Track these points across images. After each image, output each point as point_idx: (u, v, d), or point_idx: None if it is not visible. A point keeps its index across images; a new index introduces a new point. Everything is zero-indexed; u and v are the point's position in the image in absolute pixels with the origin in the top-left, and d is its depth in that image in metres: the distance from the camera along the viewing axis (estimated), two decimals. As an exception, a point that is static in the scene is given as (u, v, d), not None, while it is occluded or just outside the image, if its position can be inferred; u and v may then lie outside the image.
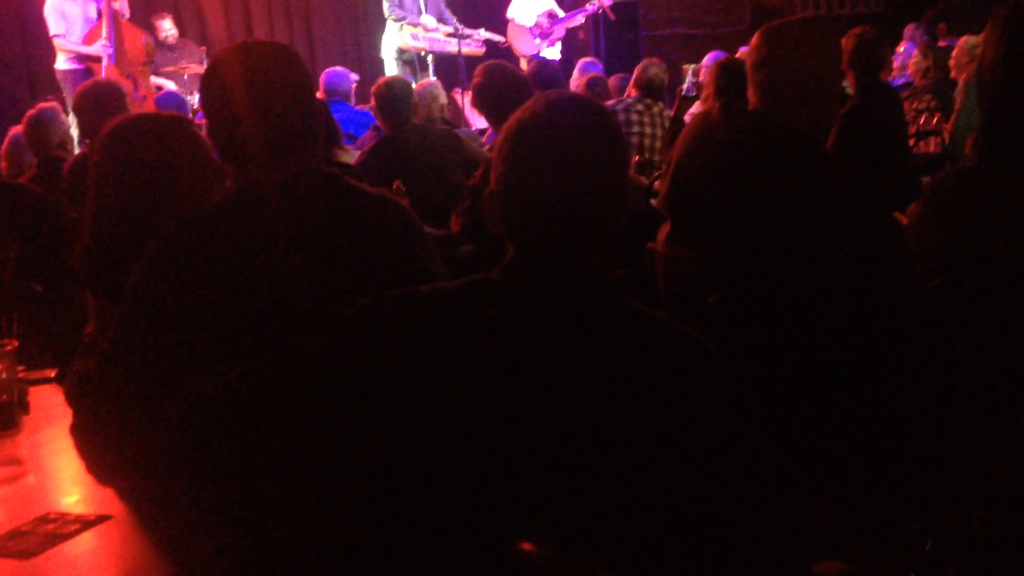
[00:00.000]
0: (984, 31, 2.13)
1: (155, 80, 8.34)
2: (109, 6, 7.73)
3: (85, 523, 1.65)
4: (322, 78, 7.05)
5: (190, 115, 6.84)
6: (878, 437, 2.31)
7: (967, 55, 5.48)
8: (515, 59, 9.32)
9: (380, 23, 8.78)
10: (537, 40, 9.44)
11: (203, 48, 9.10)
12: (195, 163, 2.12)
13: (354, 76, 8.00)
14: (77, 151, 5.05)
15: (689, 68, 5.49)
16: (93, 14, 7.85)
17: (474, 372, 1.42)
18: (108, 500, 1.73)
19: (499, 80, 4.34)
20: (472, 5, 10.04)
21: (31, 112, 4.62)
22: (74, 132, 5.37)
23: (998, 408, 1.95)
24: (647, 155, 5.42)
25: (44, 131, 4.50)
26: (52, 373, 2.41)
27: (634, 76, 5.74)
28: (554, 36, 9.52)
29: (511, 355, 1.42)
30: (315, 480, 1.50)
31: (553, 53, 9.49)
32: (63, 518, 1.67)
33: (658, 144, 5.47)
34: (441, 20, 8.60)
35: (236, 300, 1.73)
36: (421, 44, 8.46)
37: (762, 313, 2.42)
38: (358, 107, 7.25)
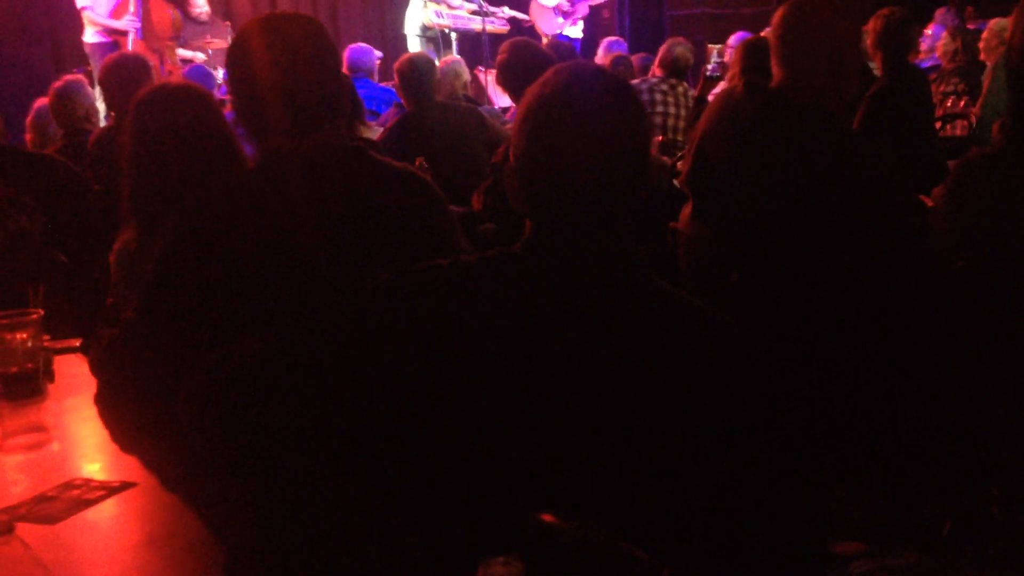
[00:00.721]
0: (1013, 14, 2.10)
1: (181, 54, 8.36)
2: (137, -23, 7.75)
3: (110, 489, 1.67)
4: (345, 54, 7.04)
5: (215, 89, 6.85)
6: (899, 419, 2.31)
7: (996, 38, 5.42)
8: (538, 37, 9.28)
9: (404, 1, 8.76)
10: (560, 19, 9.39)
11: (228, 23, 9.11)
12: (215, 130, 2.17)
13: (377, 53, 7.99)
14: (103, 124, 5.08)
15: (715, 48, 5.45)
16: (120, -14, 7.88)
17: (495, 346, 1.42)
18: (132, 467, 1.75)
19: (524, 58, 4.33)
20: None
21: (57, 84, 4.64)
22: (100, 105, 5.39)
23: (1020, 392, 1.94)
24: (671, 135, 5.39)
25: (70, 103, 4.51)
26: (77, 342, 2.43)
27: (659, 56, 5.71)
28: (577, 15, 9.48)
29: (532, 330, 1.42)
30: (339, 449, 1.51)
31: (575, 32, 9.45)
32: (87, 484, 1.69)
33: (682, 124, 5.44)
34: (465, -3, 8.59)
35: (260, 270, 1.75)
36: (445, 21, 8.44)
37: (783, 293, 2.41)
38: (381, 84, 7.25)
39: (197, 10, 8.85)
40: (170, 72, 7.90)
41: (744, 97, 2.49)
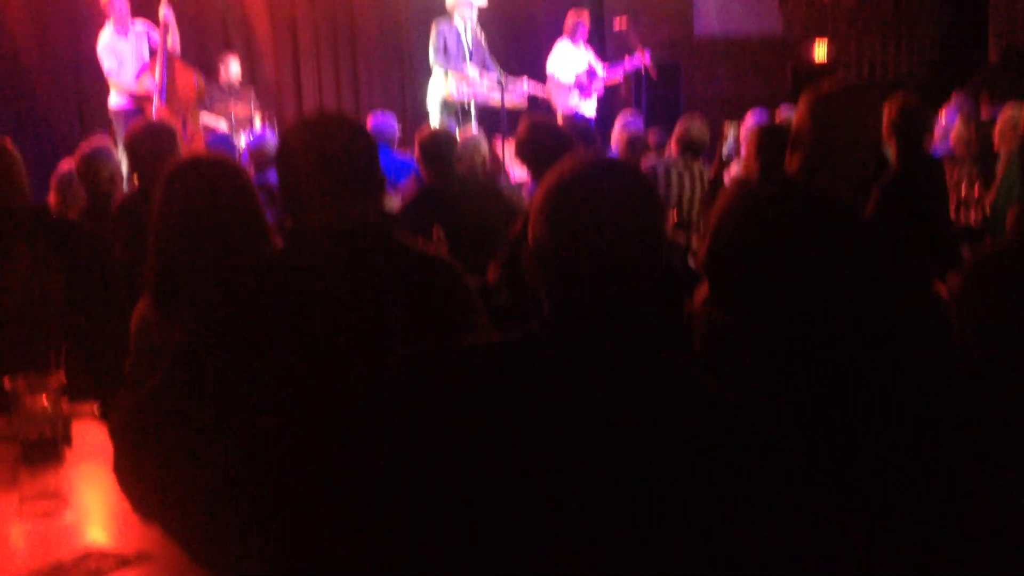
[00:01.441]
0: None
1: (204, 119, 8.49)
2: (163, 45, 7.90)
3: (125, 561, 1.68)
4: (368, 121, 7.17)
5: (236, 156, 6.96)
6: (916, 509, 2.30)
7: (1011, 126, 5.48)
8: (555, 113, 9.43)
9: (425, 70, 8.91)
10: (576, 96, 9.52)
11: (252, 90, 9.26)
12: (244, 213, 2.22)
13: (395, 124, 8.13)
14: (126, 189, 5.16)
15: (731, 126, 5.54)
16: (146, 53, 8.04)
17: (513, 428, 1.45)
18: (148, 538, 1.75)
19: (542, 135, 4.41)
20: (516, 56, 10.17)
21: (84, 148, 4.73)
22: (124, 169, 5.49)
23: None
24: (686, 213, 5.45)
25: (96, 167, 4.60)
26: (95, 407, 2.45)
27: (675, 133, 5.79)
28: (593, 93, 9.61)
29: (549, 413, 1.45)
30: (355, 525, 1.52)
31: (590, 109, 9.57)
32: (103, 555, 1.70)
33: (697, 202, 5.50)
34: (485, 69, 8.71)
35: (286, 346, 1.78)
36: (466, 93, 8.57)
37: (799, 379, 2.42)
38: (399, 152, 7.35)
39: (230, 75, 8.97)
40: (192, 137, 8.02)
41: (761, 185, 2.53)
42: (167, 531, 1.75)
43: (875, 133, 2.69)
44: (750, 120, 6.63)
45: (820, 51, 12.87)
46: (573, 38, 9.51)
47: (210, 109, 8.67)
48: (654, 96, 10.64)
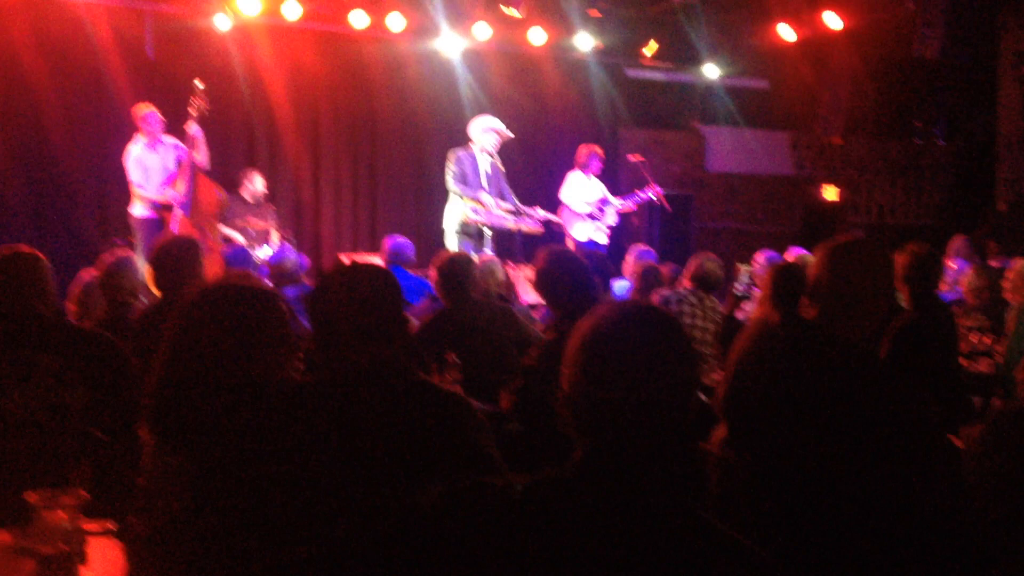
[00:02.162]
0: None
1: (224, 232, 8.64)
2: (189, 160, 8.11)
3: None
4: (385, 244, 7.29)
5: (254, 269, 7.05)
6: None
7: (1021, 278, 5.56)
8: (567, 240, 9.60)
9: (441, 194, 9.10)
10: (590, 225, 9.69)
11: (272, 206, 9.44)
12: (275, 337, 2.22)
13: (410, 246, 8.25)
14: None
15: (743, 268, 5.64)
16: (172, 165, 8.25)
17: (545, 570, 1.46)
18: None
19: (560, 266, 4.47)
20: (532, 182, 10.39)
21: (109, 259, 4.81)
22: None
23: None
24: (698, 348, 5.49)
25: (119, 278, 4.67)
26: (112, 525, 2.44)
27: (690, 269, 5.87)
28: (606, 222, 9.78)
29: (580, 556, 1.46)
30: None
31: (602, 238, 9.73)
32: None
33: (709, 337, 5.54)
34: (501, 196, 8.88)
35: (310, 478, 1.80)
36: (482, 219, 8.72)
37: (817, 525, 2.42)
38: (415, 273, 7.45)
39: (254, 190, 9.15)
40: (211, 248, 8.14)
41: (780, 329, 2.57)
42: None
43: (888, 282, 2.76)
44: (761, 259, 6.73)
45: (830, 193, 13.14)
46: (585, 170, 9.75)
47: (229, 222, 8.83)
48: (666, 228, 10.83)
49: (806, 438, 2.44)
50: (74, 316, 5.06)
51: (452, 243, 8.70)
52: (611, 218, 9.79)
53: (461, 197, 8.72)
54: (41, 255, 3.36)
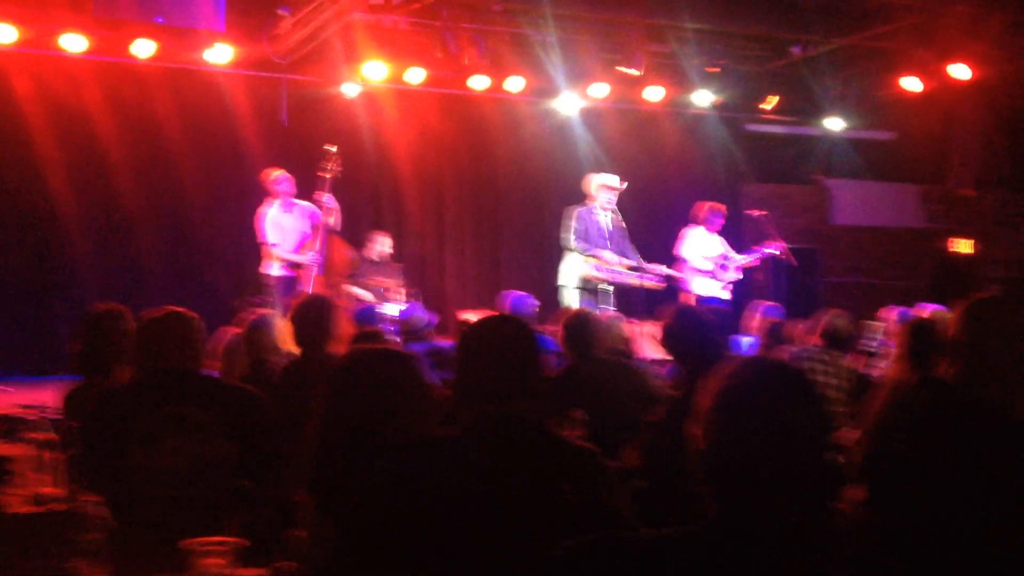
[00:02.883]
0: None
1: (353, 291, 8.91)
2: (324, 221, 8.43)
3: None
4: (504, 300, 7.40)
5: (383, 326, 7.24)
6: None
7: None
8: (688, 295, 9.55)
9: (560, 250, 9.17)
10: (713, 281, 9.61)
11: (400, 265, 9.69)
12: (416, 399, 2.35)
13: (534, 302, 8.34)
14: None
15: (874, 326, 5.53)
16: (307, 228, 8.57)
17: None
18: None
19: (688, 322, 4.48)
20: (651, 239, 10.40)
21: (251, 317, 5.03)
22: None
23: None
24: (831, 407, 5.39)
25: (261, 335, 4.87)
26: (262, 572, 2.54)
27: (821, 326, 5.78)
28: (728, 278, 9.68)
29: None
30: None
31: (724, 294, 9.64)
32: None
33: (842, 396, 5.44)
34: (623, 253, 8.90)
35: (448, 530, 1.87)
36: (603, 275, 8.75)
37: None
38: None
39: (380, 249, 9.46)
40: (342, 307, 8.39)
41: (919, 390, 2.54)
42: None
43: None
44: (892, 315, 6.57)
45: (964, 246, 12.75)
46: (707, 225, 9.69)
47: (358, 281, 9.10)
48: (792, 283, 10.67)
49: (947, 503, 2.39)
50: (220, 372, 5.28)
51: (571, 299, 8.74)
52: (732, 274, 9.71)
53: (582, 254, 8.78)
54: (193, 314, 3.56)
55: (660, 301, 5.13)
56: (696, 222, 9.76)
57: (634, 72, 9.73)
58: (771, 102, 11.39)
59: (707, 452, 1.57)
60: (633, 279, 8.79)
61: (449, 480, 1.97)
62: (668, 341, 4.52)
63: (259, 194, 8.97)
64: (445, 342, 6.60)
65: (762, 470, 1.52)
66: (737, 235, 11.09)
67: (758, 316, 7.05)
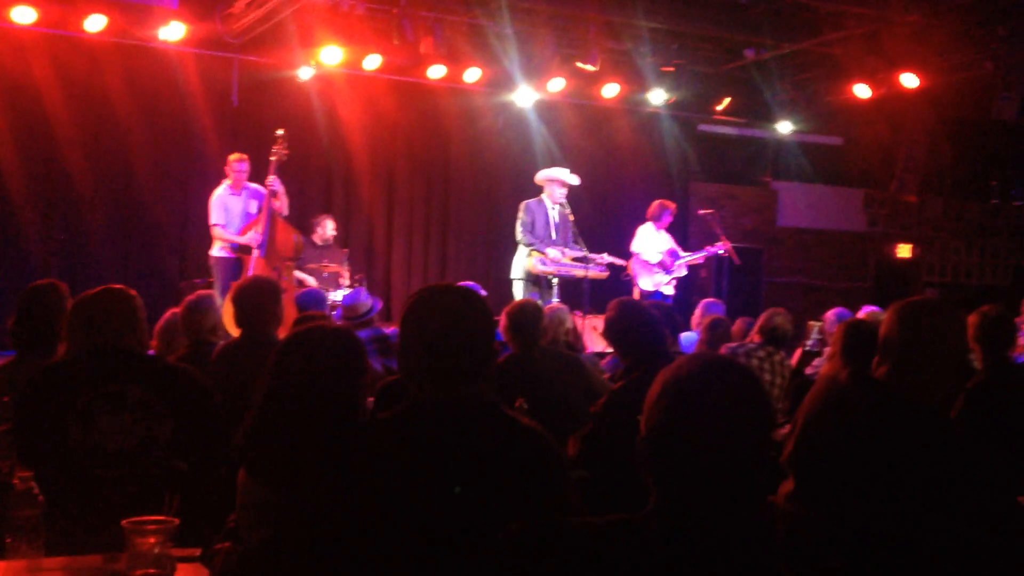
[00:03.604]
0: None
1: (297, 275, 8.86)
2: (269, 203, 8.37)
3: None
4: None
5: (328, 311, 7.22)
6: None
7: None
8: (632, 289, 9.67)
9: (510, 244, 9.23)
10: (658, 277, 9.74)
11: (346, 250, 9.66)
12: (360, 378, 2.35)
13: (482, 291, 8.37)
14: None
15: (815, 325, 5.63)
16: (253, 210, 8.52)
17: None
18: None
19: (630, 317, 4.53)
20: (603, 233, 10.47)
21: (190, 298, 4.98)
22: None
23: None
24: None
25: (201, 316, 4.83)
26: (196, 552, 2.54)
27: (759, 323, 5.88)
28: (675, 274, 9.83)
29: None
30: None
31: (669, 289, 9.78)
32: None
33: (777, 392, 5.53)
34: (567, 247, 9.01)
35: (392, 513, 1.87)
36: (549, 268, 8.85)
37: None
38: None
39: (326, 233, 9.43)
40: (285, 290, 8.35)
41: (849, 387, 2.60)
42: None
43: (959, 343, 2.76)
44: (831, 315, 6.69)
45: (904, 251, 13.01)
46: (656, 223, 9.84)
47: (304, 265, 9.06)
48: (736, 282, 10.81)
49: (872, 496, 2.46)
50: (156, 352, 5.23)
51: (518, 291, 8.82)
52: (679, 270, 9.85)
53: (529, 248, 8.87)
54: (134, 292, 3.52)
55: (607, 296, 5.16)
56: (646, 219, 9.90)
57: (590, 68, 9.78)
58: (723, 103, 11.52)
59: (649, 440, 1.60)
60: (578, 270, 8.89)
61: (396, 461, 1.95)
62: (610, 334, 4.57)
63: (208, 175, 8.89)
64: (389, 328, 6.59)
65: (703, 461, 1.55)
66: (685, 233, 11.21)
67: (700, 312, 7.15)
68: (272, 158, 8.44)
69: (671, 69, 10.50)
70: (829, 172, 12.73)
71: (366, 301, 6.66)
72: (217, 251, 8.55)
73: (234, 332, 4.66)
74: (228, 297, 4.74)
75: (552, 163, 9.62)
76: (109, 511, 2.65)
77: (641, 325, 4.44)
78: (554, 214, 9.07)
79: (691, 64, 10.63)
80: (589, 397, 4.91)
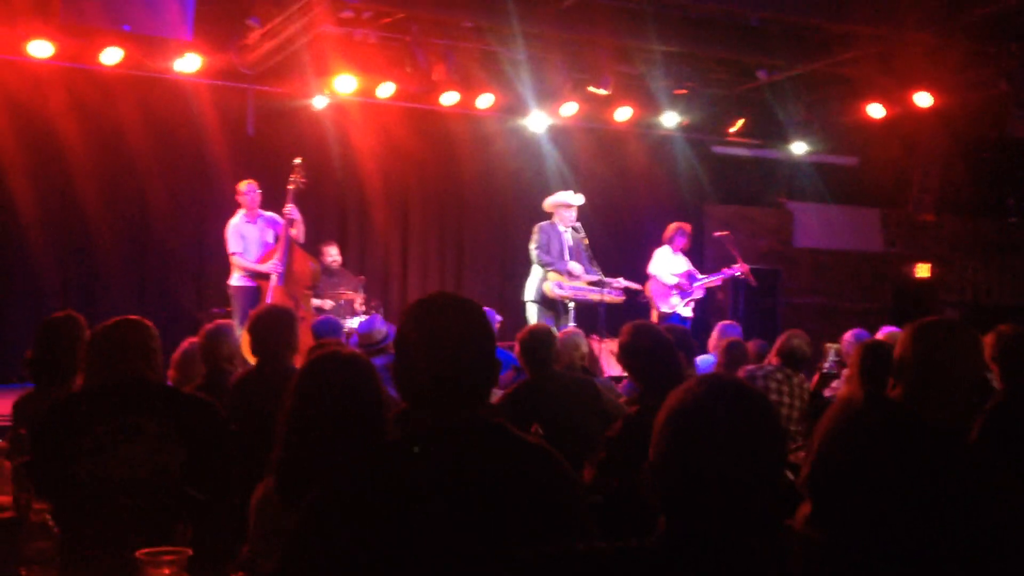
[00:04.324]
0: None
1: (315, 302, 8.90)
2: (285, 234, 8.41)
3: None
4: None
5: (344, 338, 7.23)
6: None
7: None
8: (651, 311, 9.65)
9: (525, 267, 9.22)
10: (676, 299, 9.73)
11: (361, 277, 9.69)
12: (379, 401, 2.36)
13: (498, 316, 8.37)
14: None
15: (832, 348, 5.61)
16: (270, 239, 8.56)
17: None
18: None
19: (644, 340, 4.51)
20: (617, 257, 10.46)
21: (209, 326, 5.01)
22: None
23: None
24: (785, 425, 5.44)
25: (218, 344, 4.85)
26: (209, 582, 2.54)
27: (777, 345, 5.85)
28: (693, 296, 9.82)
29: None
30: None
31: (687, 311, 9.76)
32: None
33: (796, 415, 5.49)
34: (584, 269, 8.99)
35: (398, 536, 1.86)
36: (565, 293, 8.81)
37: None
38: (499, 346, 7.52)
39: (329, 259, 9.49)
40: (303, 318, 8.37)
41: (866, 409, 2.58)
42: None
43: (976, 364, 2.74)
44: (849, 336, 6.66)
45: (922, 271, 12.94)
46: (672, 245, 9.84)
47: (321, 294, 9.09)
48: (752, 304, 10.77)
49: (888, 518, 2.43)
50: (174, 381, 5.25)
51: (532, 315, 8.80)
52: (697, 292, 9.84)
53: (546, 268, 8.85)
54: (149, 323, 3.54)
55: (623, 319, 5.16)
56: (663, 242, 9.90)
57: (603, 92, 9.81)
58: (737, 125, 11.52)
59: (659, 466, 1.58)
60: (594, 294, 8.87)
61: (408, 485, 1.91)
62: (625, 358, 4.55)
63: (224, 205, 8.93)
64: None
65: (712, 486, 1.53)
66: (700, 255, 11.19)
67: (717, 335, 7.12)
68: (290, 187, 8.49)
69: (684, 92, 10.53)
70: (845, 192, 12.70)
71: (381, 328, 6.67)
72: (236, 280, 8.58)
73: (251, 360, 4.67)
74: (245, 326, 4.76)
75: (565, 188, 9.63)
76: (123, 542, 2.65)
77: (655, 349, 4.42)
78: (568, 237, 9.06)
79: (704, 86, 10.65)
80: (604, 421, 4.89)
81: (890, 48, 9.31)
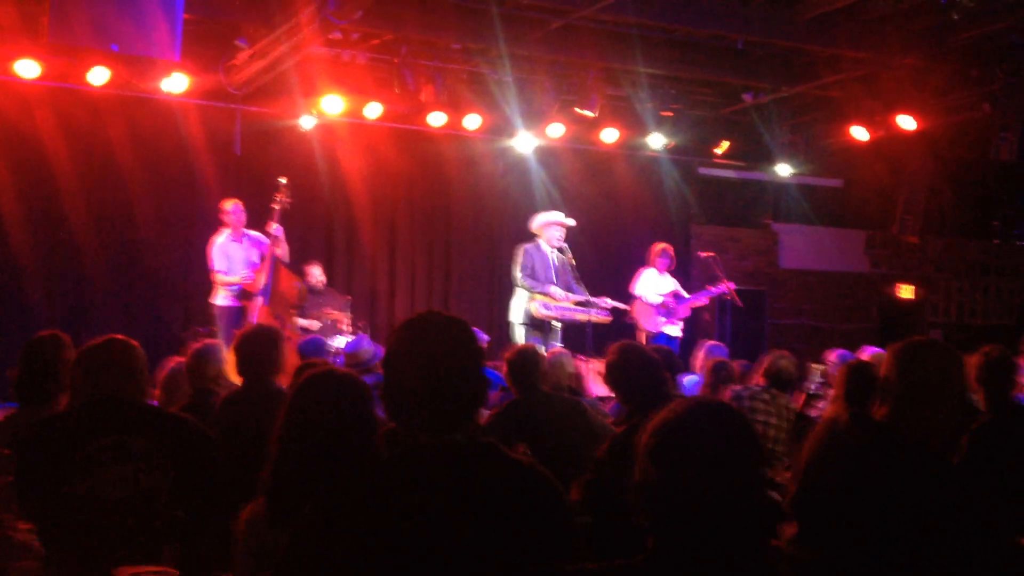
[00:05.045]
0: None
1: (301, 322, 8.88)
2: (270, 254, 8.41)
3: None
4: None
5: (329, 358, 7.22)
6: None
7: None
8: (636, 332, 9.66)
9: (512, 287, 9.21)
10: (662, 319, 9.76)
11: (348, 297, 9.69)
12: (369, 421, 2.37)
13: (484, 336, 8.37)
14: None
15: (817, 369, 5.63)
16: (256, 258, 8.55)
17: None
18: None
19: (631, 360, 4.52)
20: (604, 277, 10.48)
21: (196, 345, 4.99)
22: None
23: None
24: (771, 445, 5.45)
25: (204, 364, 4.84)
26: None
27: (763, 365, 5.87)
28: (678, 315, 9.85)
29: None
30: None
31: (675, 331, 9.79)
32: None
33: (782, 435, 5.51)
34: (569, 289, 8.98)
35: (389, 554, 1.86)
36: (551, 313, 8.81)
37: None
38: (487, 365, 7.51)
39: (314, 280, 9.48)
40: (288, 338, 8.35)
41: (850, 429, 2.60)
42: None
43: (958, 383, 2.76)
44: (833, 357, 6.69)
45: (906, 292, 13.01)
46: (657, 266, 9.88)
47: (306, 314, 9.08)
48: (738, 324, 10.81)
49: (875, 538, 2.44)
50: (160, 402, 5.23)
51: (519, 336, 8.79)
52: (682, 312, 9.87)
53: (530, 291, 8.83)
54: (135, 343, 3.53)
55: (610, 339, 5.17)
56: (646, 263, 9.94)
57: (589, 114, 9.86)
58: (723, 147, 11.59)
59: (644, 486, 1.60)
60: (580, 314, 8.87)
61: (399, 505, 1.91)
62: (612, 378, 4.56)
63: (211, 224, 8.93)
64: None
65: (696, 506, 1.55)
66: (687, 275, 11.23)
67: (703, 355, 7.14)
68: (275, 206, 8.50)
69: (670, 114, 10.59)
70: (830, 214, 12.78)
71: (368, 348, 6.67)
72: (220, 300, 8.57)
73: (236, 381, 4.66)
74: (231, 346, 4.75)
75: (552, 208, 9.65)
76: (109, 561, 2.64)
77: (642, 368, 4.43)
78: (553, 258, 9.04)
79: (690, 108, 10.73)
80: (592, 442, 4.89)
81: (875, 71, 9.40)
